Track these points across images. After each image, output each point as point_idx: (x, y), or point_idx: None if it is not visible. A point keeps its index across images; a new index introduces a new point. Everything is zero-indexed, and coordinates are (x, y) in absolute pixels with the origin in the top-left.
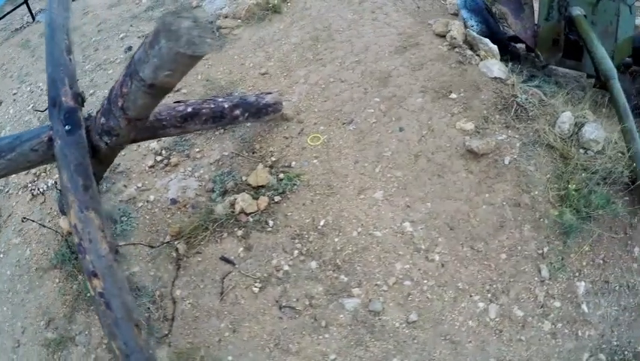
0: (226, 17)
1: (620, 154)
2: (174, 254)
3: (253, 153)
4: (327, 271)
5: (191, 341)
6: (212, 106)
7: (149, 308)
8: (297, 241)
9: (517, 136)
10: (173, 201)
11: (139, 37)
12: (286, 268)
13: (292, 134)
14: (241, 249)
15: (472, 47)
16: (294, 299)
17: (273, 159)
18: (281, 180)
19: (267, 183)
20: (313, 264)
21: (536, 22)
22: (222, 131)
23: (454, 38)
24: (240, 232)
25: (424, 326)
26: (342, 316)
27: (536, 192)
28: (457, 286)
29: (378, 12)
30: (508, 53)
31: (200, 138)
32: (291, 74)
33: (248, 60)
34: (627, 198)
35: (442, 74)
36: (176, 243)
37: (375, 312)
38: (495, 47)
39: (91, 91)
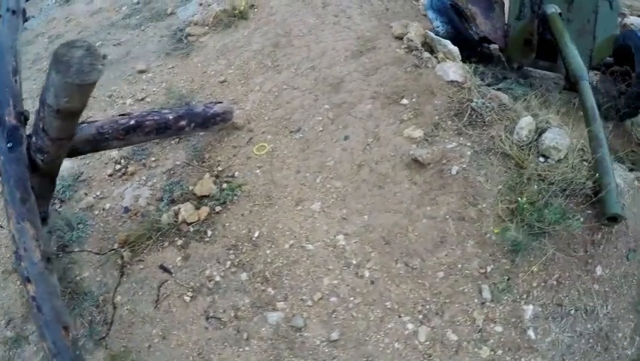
0: (196, 24)
1: (584, 162)
2: (120, 261)
3: (202, 162)
4: (256, 284)
5: (125, 345)
6: (157, 118)
7: (92, 312)
8: (231, 251)
9: (468, 144)
10: (126, 210)
11: (114, 45)
12: (218, 278)
13: (240, 144)
14: (179, 258)
15: (431, 49)
16: (221, 310)
17: (220, 168)
18: (223, 190)
19: (210, 193)
20: (243, 276)
21: (507, 21)
22: (177, 140)
23: (411, 40)
24: (180, 242)
25: (346, 346)
26: (264, 329)
27: (484, 205)
28: (385, 305)
29: (341, 15)
30: (477, 55)
31: (157, 147)
32: (248, 81)
33: (210, 68)
34: (589, 211)
35: (395, 79)
36: (122, 250)
37: (297, 328)
38: (455, 49)
39: None
